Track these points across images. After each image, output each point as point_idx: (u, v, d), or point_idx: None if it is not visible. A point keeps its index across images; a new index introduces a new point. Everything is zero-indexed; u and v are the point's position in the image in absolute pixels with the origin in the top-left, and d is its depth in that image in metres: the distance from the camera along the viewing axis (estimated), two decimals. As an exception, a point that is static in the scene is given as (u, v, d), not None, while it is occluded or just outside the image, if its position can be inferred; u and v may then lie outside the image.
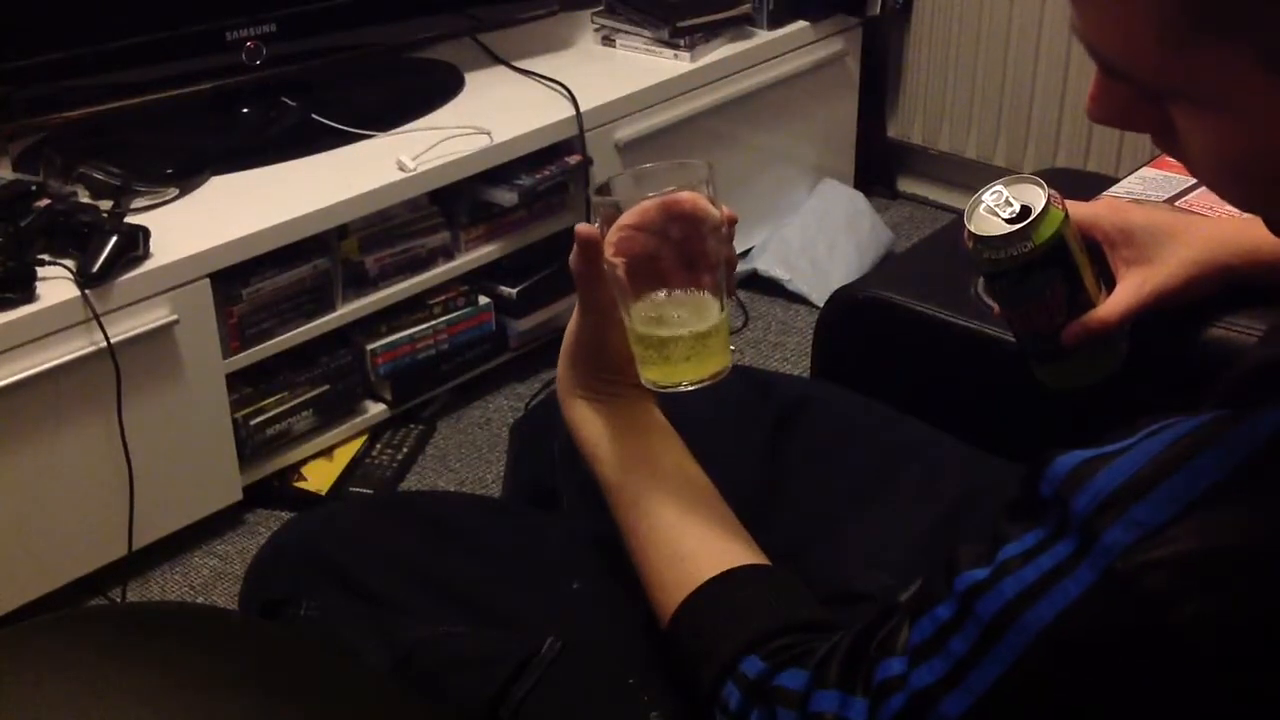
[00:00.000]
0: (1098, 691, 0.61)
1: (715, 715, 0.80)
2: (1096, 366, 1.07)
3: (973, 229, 1.00)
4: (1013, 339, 1.10)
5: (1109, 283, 1.08)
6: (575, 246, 0.86)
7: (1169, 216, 1.11)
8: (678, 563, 0.87)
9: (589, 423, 0.92)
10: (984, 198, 1.00)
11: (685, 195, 0.83)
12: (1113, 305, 1.05)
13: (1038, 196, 0.99)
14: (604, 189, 0.87)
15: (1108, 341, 1.06)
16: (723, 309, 0.86)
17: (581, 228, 0.85)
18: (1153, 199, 1.54)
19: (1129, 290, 1.06)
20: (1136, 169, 1.66)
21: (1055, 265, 1.01)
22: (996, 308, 1.08)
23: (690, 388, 0.87)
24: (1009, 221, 0.98)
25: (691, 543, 0.89)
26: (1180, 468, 0.60)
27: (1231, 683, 0.59)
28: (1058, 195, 1.00)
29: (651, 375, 0.88)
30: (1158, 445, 0.61)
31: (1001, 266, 1.00)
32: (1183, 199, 1.55)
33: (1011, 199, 0.99)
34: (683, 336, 0.85)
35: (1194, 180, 1.59)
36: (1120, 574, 0.59)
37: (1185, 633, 0.58)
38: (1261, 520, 0.58)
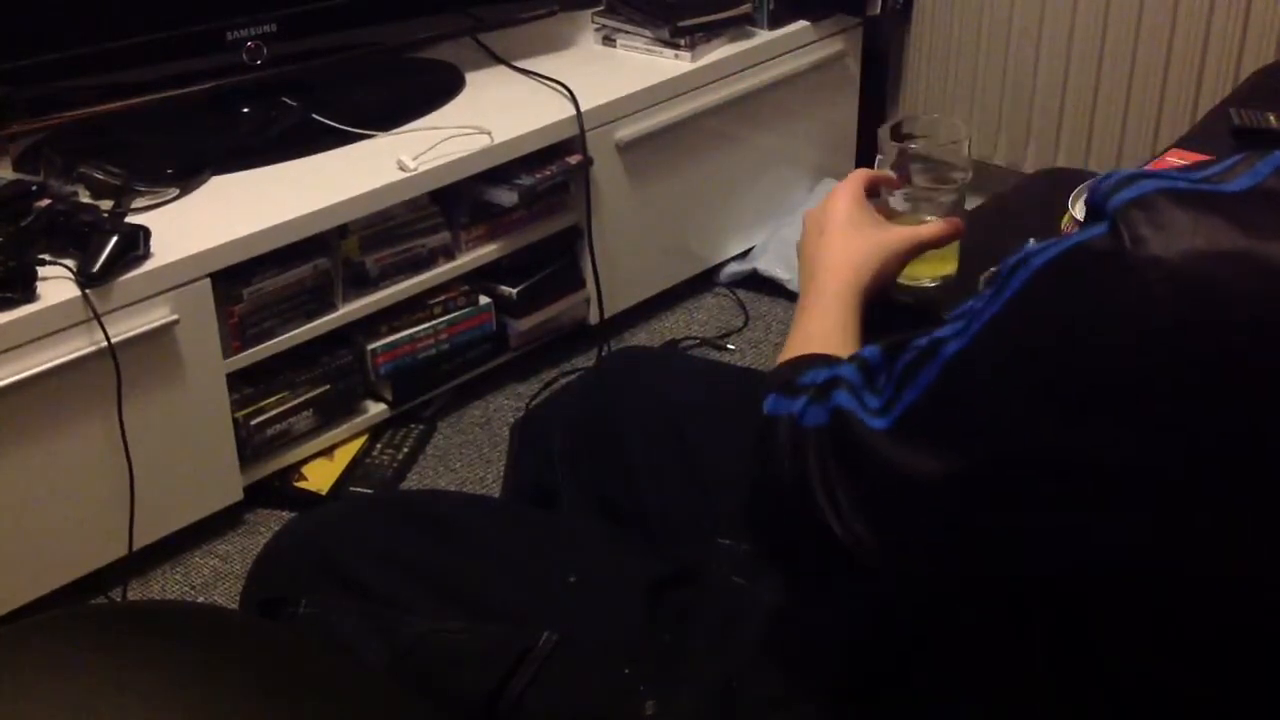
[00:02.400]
0: (1081, 331, 0.66)
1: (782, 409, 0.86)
2: None
3: None
4: None
5: None
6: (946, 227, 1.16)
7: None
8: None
9: (854, 314, 1.07)
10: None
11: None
12: None
13: None
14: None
15: None
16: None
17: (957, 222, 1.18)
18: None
19: None
20: (1136, 169, 1.66)
21: None
22: None
23: (933, 283, 1.28)
24: None
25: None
26: (1210, 184, 0.67)
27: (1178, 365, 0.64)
28: None
29: (917, 272, 1.24)
30: (1206, 168, 0.69)
31: None
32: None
33: None
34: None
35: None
36: (1118, 220, 0.65)
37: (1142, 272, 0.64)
38: (1250, 229, 0.64)
